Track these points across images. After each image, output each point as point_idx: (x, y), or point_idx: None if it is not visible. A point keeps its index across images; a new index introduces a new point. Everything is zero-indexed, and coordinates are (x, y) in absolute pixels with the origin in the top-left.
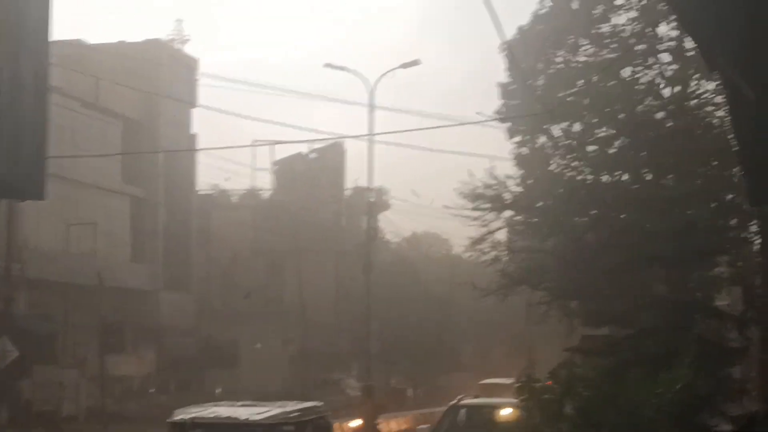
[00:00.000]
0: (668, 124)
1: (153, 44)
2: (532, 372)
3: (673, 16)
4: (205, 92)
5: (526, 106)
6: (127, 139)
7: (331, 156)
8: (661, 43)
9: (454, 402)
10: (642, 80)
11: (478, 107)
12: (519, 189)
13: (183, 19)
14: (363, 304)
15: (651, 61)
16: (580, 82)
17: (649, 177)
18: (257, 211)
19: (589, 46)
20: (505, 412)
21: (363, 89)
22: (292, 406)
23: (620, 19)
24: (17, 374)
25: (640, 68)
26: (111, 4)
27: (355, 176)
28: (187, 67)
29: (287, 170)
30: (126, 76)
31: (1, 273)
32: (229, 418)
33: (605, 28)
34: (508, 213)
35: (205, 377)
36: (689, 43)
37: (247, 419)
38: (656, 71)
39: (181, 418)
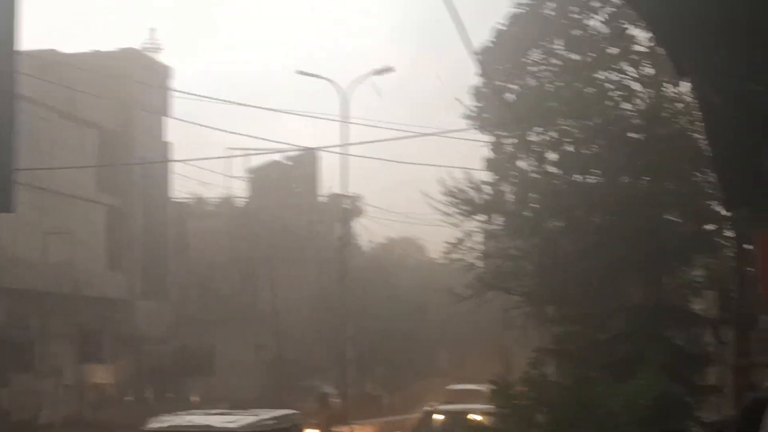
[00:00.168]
0: (643, 129)
1: (127, 53)
2: (506, 378)
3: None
4: (179, 101)
5: (498, 110)
6: (102, 149)
7: (305, 164)
8: (635, 46)
9: (427, 409)
10: (616, 84)
11: (455, 112)
12: (492, 192)
13: (156, 28)
14: (338, 311)
15: (625, 65)
16: (554, 85)
17: (625, 180)
18: (232, 219)
19: (563, 50)
20: (479, 418)
21: (338, 97)
22: (266, 415)
23: (594, 22)
24: None
25: (614, 72)
26: (86, 14)
27: (330, 183)
28: (161, 75)
29: (262, 178)
30: (101, 85)
31: None
32: (204, 426)
33: (578, 32)
34: (482, 217)
35: (181, 385)
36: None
37: (222, 428)
38: (630, 75)
39: (156, 427)
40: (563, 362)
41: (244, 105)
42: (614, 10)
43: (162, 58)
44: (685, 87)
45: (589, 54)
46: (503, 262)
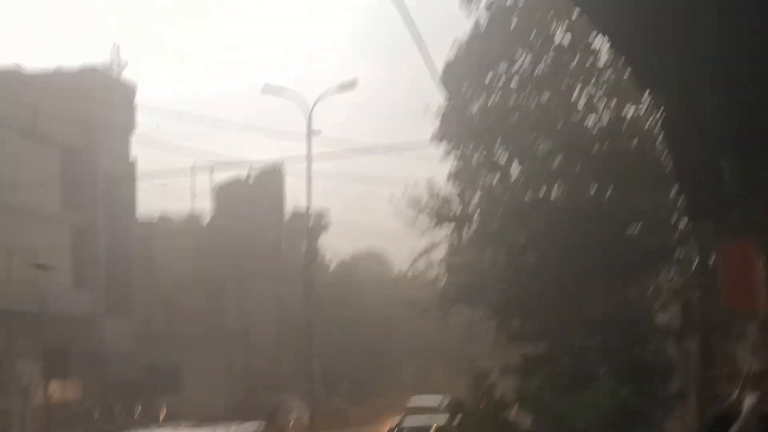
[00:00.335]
0: (606, 142)
1: (90, 71)
2: (470, 393)
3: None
4: (145, 118)
5: (461, 126)
6: (66, 166)
7: (270, 180)
8: (600, 57)
9: (397, 423)
10: (580, 95)
11: (421, 127)
12: (457, 205)
13: (120, 45)
14: (304, 326)
15: (589, 77)
16: (518, 99)
17: (588, 193)
18: (198, 236)
19: (528, 62)
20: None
21: (302, 113)
22: (234, 429)
23: (558, 33)
24: None
25: (578, 83)
26: (49, 30)
27: (295, 199)
28: (126, 93)
29: (227, 195)
30: (64, 103)
31: None
32: None
33: (543, 41)
34: (447, 228)
35: (149, 401)
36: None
37: None
38: (594, 86)
39: None
40: (527, 378)
41: (211, 123)
42: (576, 21)
43: (126, 75)
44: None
45: (554, 65)
46: (468, 275)
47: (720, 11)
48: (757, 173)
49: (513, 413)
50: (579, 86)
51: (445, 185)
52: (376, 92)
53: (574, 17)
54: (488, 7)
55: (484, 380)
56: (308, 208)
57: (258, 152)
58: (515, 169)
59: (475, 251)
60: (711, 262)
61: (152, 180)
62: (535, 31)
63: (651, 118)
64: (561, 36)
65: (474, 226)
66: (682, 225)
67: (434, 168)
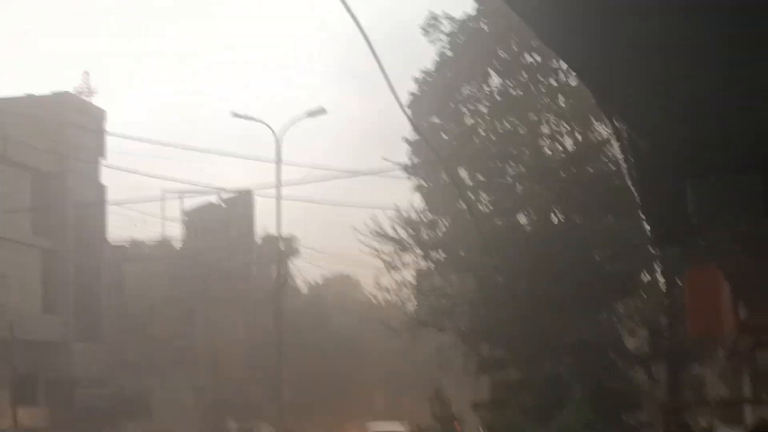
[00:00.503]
0: (573, 168)
1: (60, 97)
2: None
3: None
4: (115, 144)
5: (429, 153)
6: (36, 191)
7: (240, 205)
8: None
9: None
10: (547, 120)
11: (394, 155)
12: (425, 230)
13: (89, 71)
14: (274, 351)
15: (555, 99)
16: (485, 125)
17: (557, 220)
18: (169, 262)
19: (493, 85)
20: None
21: (272, 139)
22: None
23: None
24: None
25: (544, 109)
26: (18, 57)
27: (265, 225)
28: (95, 118)
29: (197, 220)
30: (34, 128)
31: None
32: None
33: (509, 64)
34: (415, 255)
35: (117, 428)
36: None
37: None
38: (559, 110)
39: None
40: (497, 406)
41: (181, 147)
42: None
43: (96, 101)
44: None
45: (520, 89)
46: (437, 299)
47: (690, 44)
48: (721, 202)
49: None
50: (545, 112)
51: (413, 211)
52: (348, 118)
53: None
54: (449, 34)
55: (448, 409)
56: (279, 232)
57: (229, 177)
58: (483, 196)
59: (444, 276)
60: (678, 288)
61: (123, 205)
62: (501, 54)
63: (617, 145)
64: (528, 60)
65: (443, 252)
66: (649, 251)
67: (404, 193)
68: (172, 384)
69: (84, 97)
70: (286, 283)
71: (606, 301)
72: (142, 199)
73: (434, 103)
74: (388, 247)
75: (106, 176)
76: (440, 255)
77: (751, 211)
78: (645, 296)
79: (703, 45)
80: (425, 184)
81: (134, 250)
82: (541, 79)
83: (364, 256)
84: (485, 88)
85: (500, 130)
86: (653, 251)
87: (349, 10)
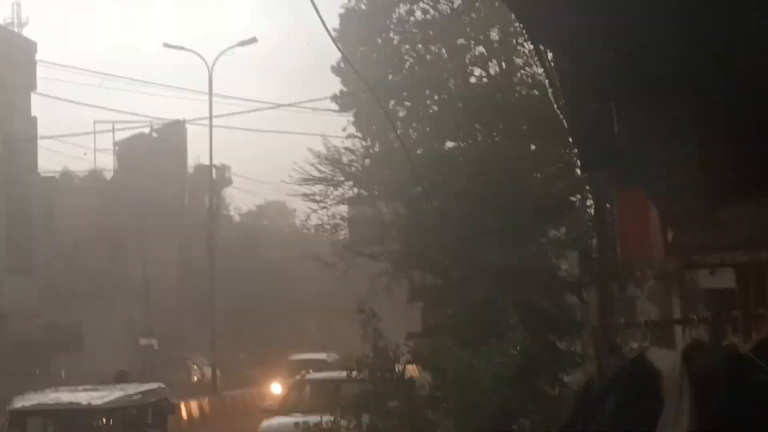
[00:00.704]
0: (500, 95)
1: None
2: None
3: None
4: (46, 76)
5: (358, 85)
6: None
7: (172, 136)
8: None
9: (299, 378)
10: (475, 47)
11: (324, 84)
12: (356, 160)
13: (20, 2)
14: (207, 282)
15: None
16: (413, 55)
17: (483, 145)
18: (101, 193)
19: (421, 12)
20: (349, 386)
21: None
22: (133, 389)
23: None
24: None
25: (471, 36)
26: None
27: (197, 156)
28: (26, 50)
29: (129, 151)
30: None
31: None
32: (70, 404)
33: None
34: (347, 184)
35: (50, 362)
36: None
37: (89, 404)
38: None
39: (21, 406)
40: (429, 335)
41: (113, 77)
42: None
43: (27, 32)
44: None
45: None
46: (368, 229)
47: None
48: (647, 125)
49: (414, 370)
50: (472, 38)
51: (343, 141)
52: (277, 50)
53: None
54: None
55: (379, 337)
56: (211, 162)
57: (160, 109)
58: (413, 124)
59: (375, 205)
60: (607, 211)
61: (55, 137)
62: None
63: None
64: None
65: (373, 180)
66: (578, 176)
67: (335, 123)
68: (105, 316)
69: (14, 29)
70: (218, 212)
71: (536, 225)
72: (74, 131)
73: (363, 31)
74: (318, 187)
75: (37, 108)
76: (371, 184)
77: (676, 134)
78: (575, 219)
79: None
80: (353, 116)
81: (65, 182)
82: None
83: (298, 185)
84: (413, 17)
85: (428, 57)
86: (582, 176)
87: None
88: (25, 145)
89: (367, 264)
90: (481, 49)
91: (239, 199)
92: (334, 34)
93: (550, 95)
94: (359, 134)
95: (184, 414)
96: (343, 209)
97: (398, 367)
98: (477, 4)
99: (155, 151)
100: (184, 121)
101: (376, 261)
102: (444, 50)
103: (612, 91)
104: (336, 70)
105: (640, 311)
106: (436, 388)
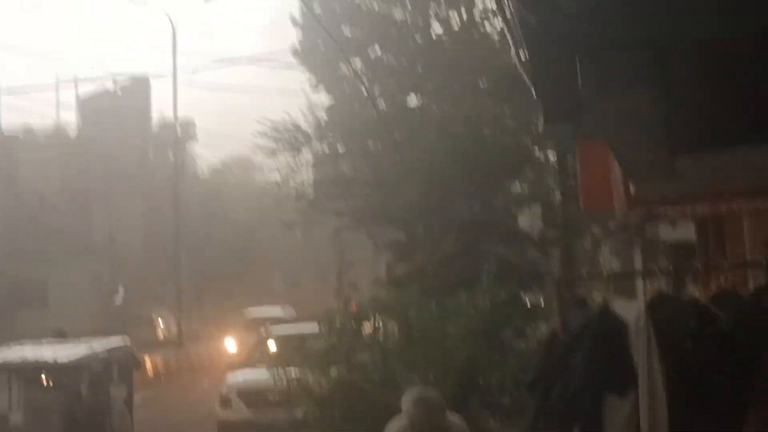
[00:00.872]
0: (458, 50)
1: None
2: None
3: None
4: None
5: (321, 40)
6: None
7: (136, 92)
8: None
9: (263, 336)
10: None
11: (283, 40)
12: (318, 117)
13: None
14: (172, 238)
15: None
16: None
17: (444, 100)
18: (64, 150)
19: None
20: (315, 339)
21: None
22: (98, 344)
23: None
24: None
25: None
26: None
27: (162, 111)
28: None
29: (93, 108)
30: None
31: None
32: (36, 361)
33: None
34: (315, 143)
35: (14, 318)
36: None
37: (55, 362)
38: None
39: None
40: (395, 289)
41: (77, 31)
42: None
43: None
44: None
45: None
46: (332, 184)
47: None
48: (610, 77)
49: (377, 324)
50: None
51: (307, 96)
52: (239, 4)
53: None
54: None
55: (344, 291)
56: (176, 118)
57: (123, 64)
58: (373, 81)
59: (337, 161)
60: (569, 164)
61: (16, 94)
62: None
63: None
64: None
65: (335, 136)
66: (540, 129)
67: (296, 78)
68: (69, 273)
69: None
70: (183, 168)
71: (500, 178)
72: (36, 86)
73: None
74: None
75: None
76: (334, 142)
77: (639, 87)
78: (537, 172)
79: None
80: (314, 73)
81: (28, 139)
82: None
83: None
84: None
85: (390, 11)
86: (544, 130)
87: None
88: None
89: (332, 220)
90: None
91: (205, 156)
92: None
93: (511, 48)
94: (321, 86)
95: (149, 369)
96: (307, 164)
97: (364, 320)
98: None
99: (119, 107)
100: (147, 78)
101: (340, 217)
102: (408, 2)
103: (575, 44)
104: (295, 21)
105: (601, 264)
106: (401, 341)
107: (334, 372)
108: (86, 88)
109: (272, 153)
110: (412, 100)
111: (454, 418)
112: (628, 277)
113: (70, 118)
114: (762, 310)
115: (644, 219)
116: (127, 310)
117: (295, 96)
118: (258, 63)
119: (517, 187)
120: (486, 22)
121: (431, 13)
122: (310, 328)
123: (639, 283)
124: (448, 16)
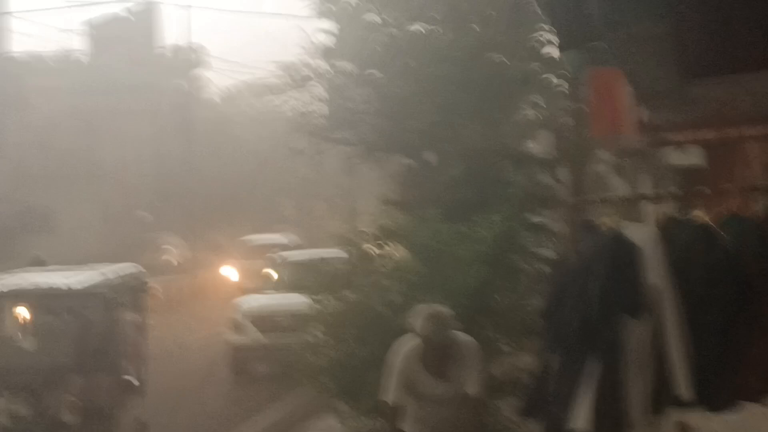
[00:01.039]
0: None
1: None
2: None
3: None
4: None
5: None
6: None
7: (147, 17)
8: None
9: (276, 261)
10: None
11: None
12: (331, 43)
13: None
14: (182, 163)
15: None
16: None
17: (451, 29)
18: (74, 75)
19: None
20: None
21: None
22: (111, 270)
23: None
24: None
25: None
26: None
27: (174, 36)
28: None
29: (103, 32)
30: None
31: None
32: (50, 288)
33: None
34: (323, 67)
35: (23, 243)
36: None
37: (69, 288)
38: None
39: None
40: (406, 211)
41: None
42: None
43: None
44: None
45: None
46: (342, 110)
47: None
48: (621, 4)
49: (394, 249)
50: None
51: (319, 23)
52: None
53: None
54: None
55: (355, 217)
56: (188, 43)
57: None
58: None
59: (347, 87)
60: (581, 90)
61: (25, 19)
62: None
63: None
64: None
65: (346, 63)
66: (551, 57)
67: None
68: (78, 198)
69: None
70: (195, 94)
71: (510, 105)
72: (46, 10)
73: None
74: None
75: None
76: (343, 70)
77: (650, 13)
78: (548, 98)
79: None
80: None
81: (37, 64)
82: None
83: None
84: None
85: None
86: (556, 57)
87: None
88: None
89: (342, 149)
90: None
91: (216, 81)
92: None
93: None
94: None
95: (160, 295)
96: (316, 96)
97: (381, 244)
98: None
99: (130, 32)
100: (158, 2)
101: (349, 145)
102: None
103: None
104: None
105: (611, 188)
106: (415, 264)
107: (350, 295)
108: (98, 13)
109: (281, 90)
110: (419, 29)
111: (465, 338)
112: (637, 202)
113: (80, 43)
114: None
115: (654, 145)
116: (137, 236)
117: (307, 21)
118: None
119: (527, 113)
120: None
121: None
122: (323, 253)
123: (649, 207)
124: None
